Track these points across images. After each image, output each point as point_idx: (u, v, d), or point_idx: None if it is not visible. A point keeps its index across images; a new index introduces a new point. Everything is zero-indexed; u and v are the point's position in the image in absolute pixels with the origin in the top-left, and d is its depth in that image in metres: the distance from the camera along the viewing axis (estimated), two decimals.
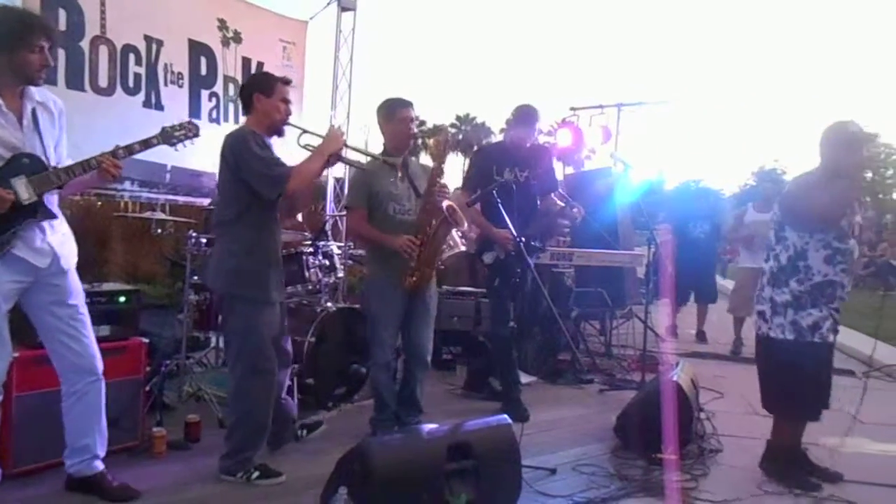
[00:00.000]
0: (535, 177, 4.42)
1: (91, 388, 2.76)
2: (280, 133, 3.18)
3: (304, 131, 3.18)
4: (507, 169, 4.31)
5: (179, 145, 2.83)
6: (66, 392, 2.76)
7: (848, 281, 3.35)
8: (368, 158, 3.56)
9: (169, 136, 2.79)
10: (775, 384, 3.47)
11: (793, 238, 3.35)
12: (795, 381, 3.36)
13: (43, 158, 2.56)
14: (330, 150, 3.06)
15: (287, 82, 3.18)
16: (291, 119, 3.19)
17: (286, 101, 3.14)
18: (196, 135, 2.85)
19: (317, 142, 3.13)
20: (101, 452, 2.85)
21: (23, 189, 2.47)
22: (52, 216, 2.62)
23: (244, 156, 2.96)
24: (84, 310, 2.77)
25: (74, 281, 2.74)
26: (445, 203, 3.48)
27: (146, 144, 2.73)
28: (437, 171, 3.59)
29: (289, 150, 3.29)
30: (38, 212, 2.55)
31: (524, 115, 4.42)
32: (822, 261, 3.30)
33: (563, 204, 4.58)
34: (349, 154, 3.39)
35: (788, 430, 3.47)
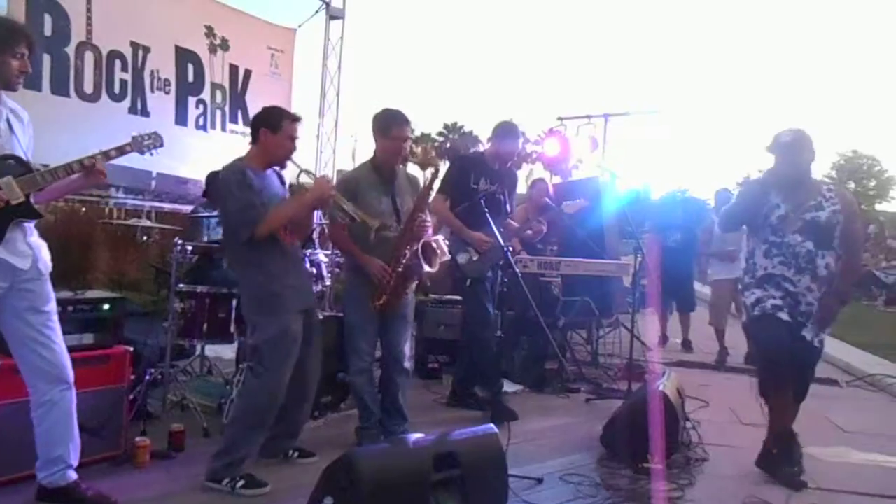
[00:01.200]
0: (502, 192, 4.58)
1: (63, 397, 2.72)
2: (282, 167, 3.31)
3: (302, 171, 3.30)
4: (483, 179, 4.50)
5: (147, 154, 2.93)
6: (37, 402, 2.70)
7: (797, 275, 3.44)
8: (356, 214, 3.32)
9: (139, 144, 2.88)
10: None
11: (750, 241, 3.69)
12: (755, 357, 3.78)
13: (25, 160, 2.60)
14: (310, 201, 3.17)
15: (296, 119, 3.25)
16: None
17: (292, 139, 3.22)
18: (161, 144, 2.94)
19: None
20: (75, 462, 2.80)
21: (12, 190, 2.51)
22: (39, 215, 2.66)
23: (223, 194, 3.13)
24: (55, 317, 2.73)
25: (48, 287, 2.71)
26: (423, 241, 3.50)
27: (121, 151, 2.81)
28: (421, 206, 3.59)
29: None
30: (26, 212, 2.58)
31: (510, 130, 4.65)
32: (762, 255, 3.56)
33: (517, 225, 4.87)
34: (337, 204, 3.31)
35: (770, 411, 3.60)
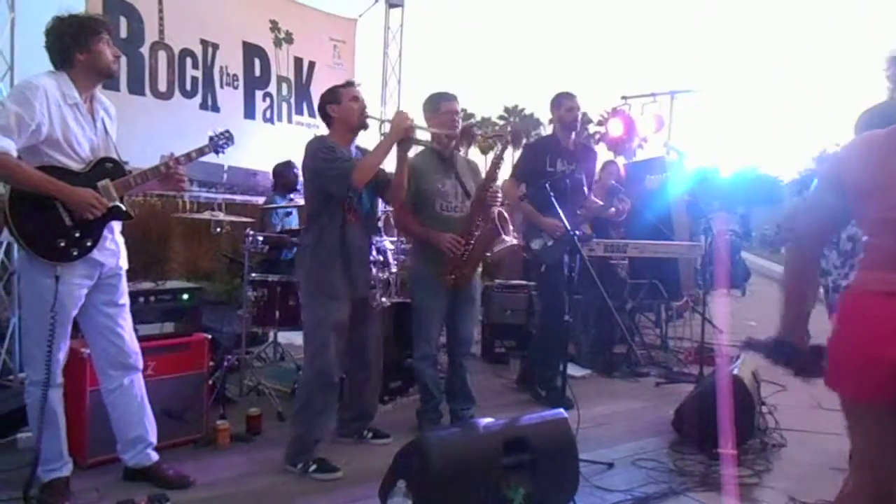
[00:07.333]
0: (581, 171, 4.48)
1: (132, 383, 2.88)
2: (364, 127, 3.37)
3: (383, 121, 3.55)
4: (559, 160, 4.42)
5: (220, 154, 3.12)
6: (107, 388, 2.86)
7: None
8: (433, 133, 3.63)
9: (216, 144, 3.05)
10: None
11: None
12: None
13: (119, 162, 2.73)
14: (395, 138, 3.19)
15: (349, 83, 3.39)
16: None
17: (356, 99, 3.31)
18: (233, 142, 3.12)
19: None
20: (153, 439, 2.96)
21: (109, 193, 2.65)
22: (129, 216, 2.79)
23: (313, 162, 3.19)
24: (128, 309, 2.88)
25: (125, 282, 2.86)
26: (496, 210, 3.50)
27: (200, 153, 2.96)
28: (492, 177, 3.59)
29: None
30: (119, 214, 2.72)
31: (562, 93, 4.57)
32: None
33: (601, 203, 4.69)
34: (420, 135, 3.45)
35: None
